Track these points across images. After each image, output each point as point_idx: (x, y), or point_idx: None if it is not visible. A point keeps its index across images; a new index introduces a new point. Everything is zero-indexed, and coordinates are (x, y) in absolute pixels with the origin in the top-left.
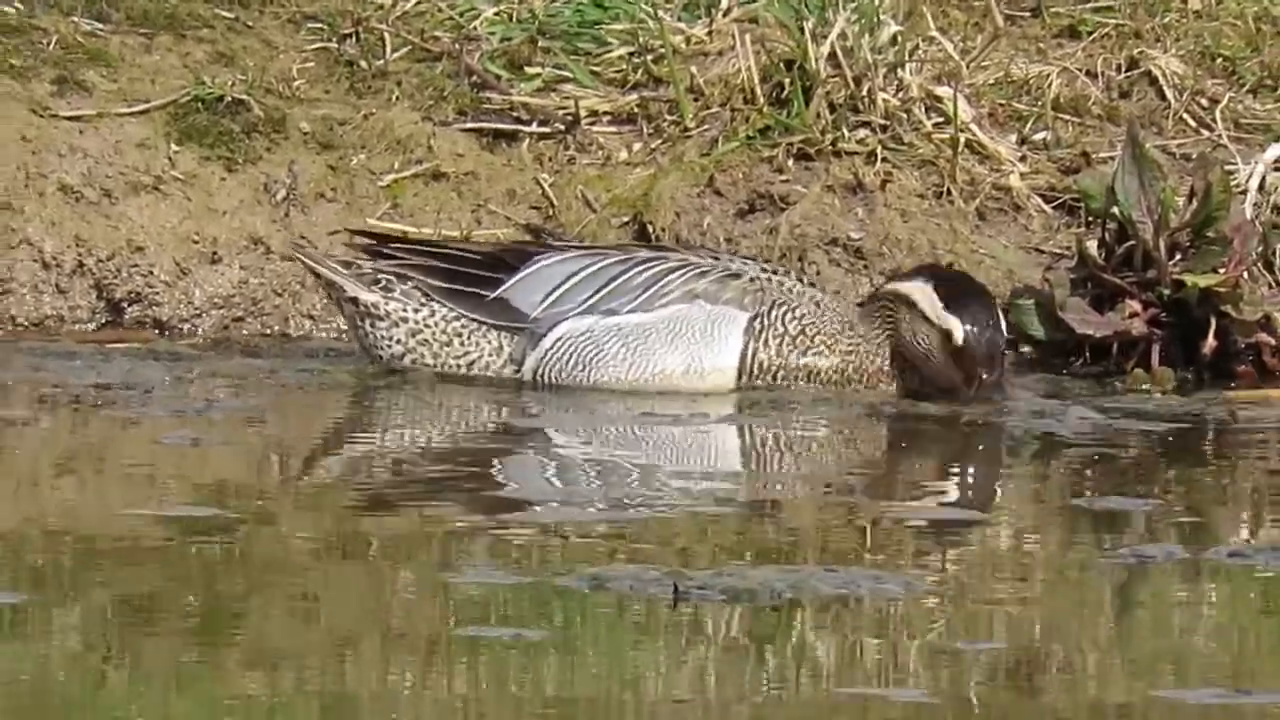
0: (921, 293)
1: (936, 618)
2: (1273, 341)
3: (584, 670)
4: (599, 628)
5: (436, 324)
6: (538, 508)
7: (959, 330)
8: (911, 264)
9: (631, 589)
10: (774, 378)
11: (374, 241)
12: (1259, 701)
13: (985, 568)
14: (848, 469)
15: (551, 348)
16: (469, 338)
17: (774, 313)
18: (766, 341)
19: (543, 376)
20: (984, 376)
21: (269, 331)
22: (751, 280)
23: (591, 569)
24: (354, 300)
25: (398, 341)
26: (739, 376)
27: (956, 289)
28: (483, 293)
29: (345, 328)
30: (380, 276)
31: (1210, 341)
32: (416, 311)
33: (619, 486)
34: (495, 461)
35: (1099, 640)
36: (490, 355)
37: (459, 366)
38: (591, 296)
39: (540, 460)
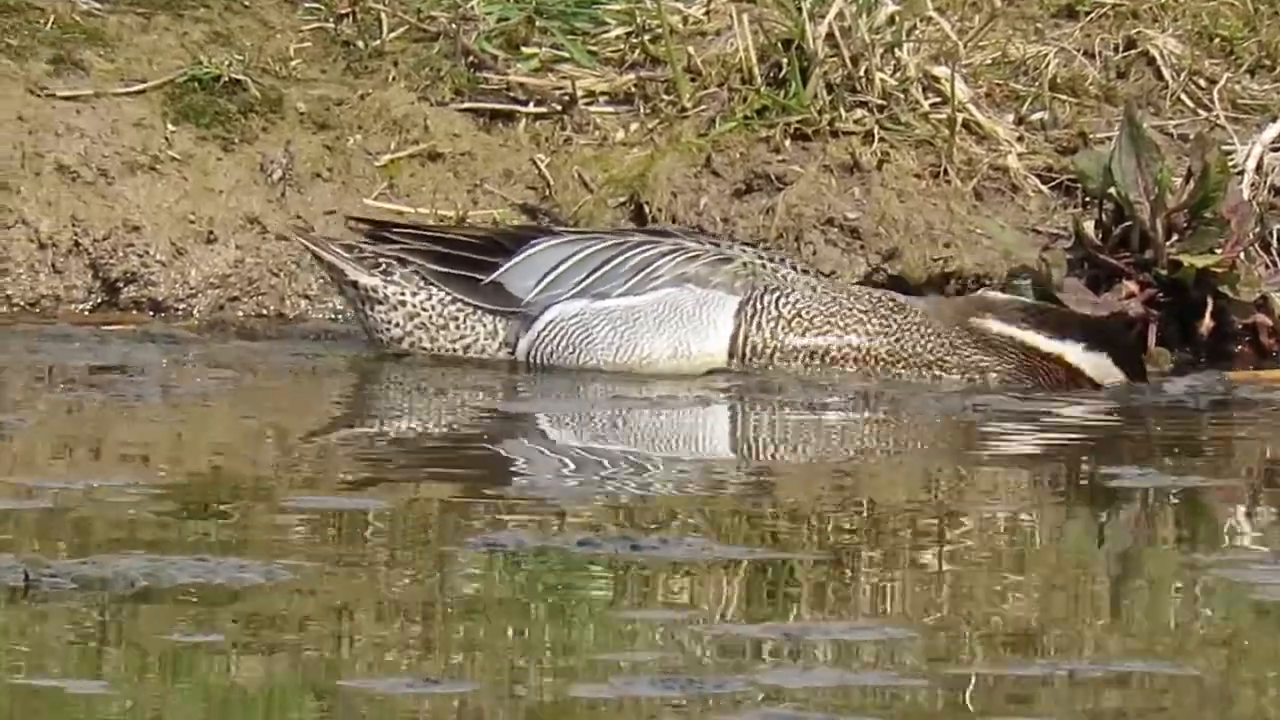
0: (1090, 363)
1: (249, 608)
2: (1269, 322)
3: None
4: None
5: (433, 308)
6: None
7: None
8: (908, 244)
9: None
10: (770, 360)
11: (374, 226)
12: (445, 690)
13: (348, 557)
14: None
15: (543, 330)
16: (464, 321)
17: (767, 297)
18: (760, 325)
19: (535, 360)
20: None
21: (265, 312)
22: (744, 265)
23: None
24: (354, 284)
25: (396, 325)
26: (729, 360)
27: (1126, 354)
28: (478, 277)
29: (341, 308)
30: (380, 260)
31: (1207, 322)
32: (415, 295)
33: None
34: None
35: (343, 630)
36: (485, 339)
37: (455, 349)
38: (583, 280)
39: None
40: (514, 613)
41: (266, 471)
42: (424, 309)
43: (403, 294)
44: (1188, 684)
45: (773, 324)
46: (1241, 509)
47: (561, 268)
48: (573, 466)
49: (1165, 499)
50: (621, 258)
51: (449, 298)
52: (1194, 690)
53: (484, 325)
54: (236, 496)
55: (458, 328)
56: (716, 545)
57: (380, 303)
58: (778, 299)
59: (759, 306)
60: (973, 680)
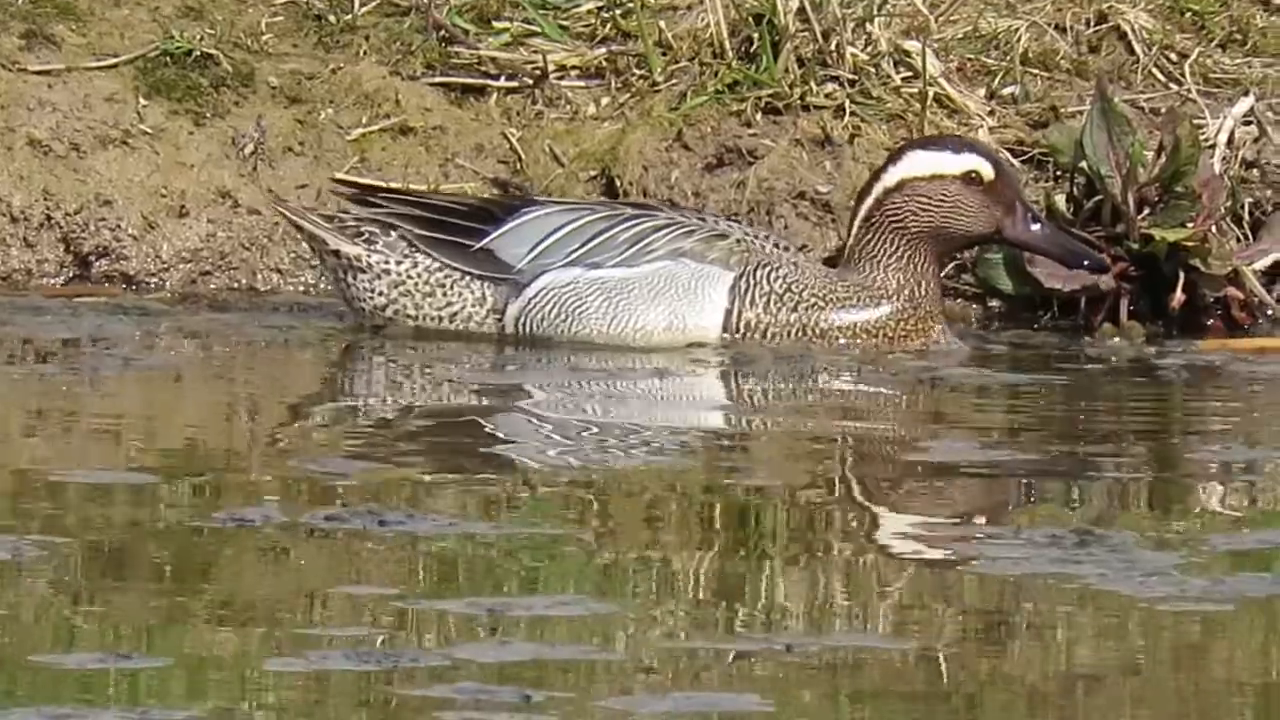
0: (920, 159)
1: None
2: (1241, 295)
3: None
4: None
5: (419, 275)
6: None
7: (985, 164)
8: None
9: None
10: (764, 336)
11: (359, 191)
12: (136, 666)
13: (94, 533)
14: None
15: (535, 297)
16: (451, 288)
17: (759, 272)
18: (753, 299)
19: (525, 327)
20: (1025, 200)
21: (236, 286)
22: (738, 241)
23: None
24: (336, 253)
25: (380, 293)
26: (723, 334)
27: (951, 138)
28: (468, 243)
29: (313, 282)
30: (363, 229)
31: (1178, 295)
32: (399, 263)
33: None
34: None
35: (52, 606)
36: (473, 306)
37: (441, 318)
38: (577, 249)
39: None
40: (226, 588)
41: (64, 445)
42: (408, 276)
43: (386, 262)
44: (903, 659)
45: (766, 298)
46: (1029, 486)
47: (555, 236)
48: (384, 441)
49: (956, 474)
50: (616, 229)
51: (436, 264)
52: (909, 665)
53: (471, 292)
54: (18, 471)
55: (444, 294)
56: (465, 521)
57: (363, 271)
58: (769, 273)
59: (753, 281)
60: (678, 654)
